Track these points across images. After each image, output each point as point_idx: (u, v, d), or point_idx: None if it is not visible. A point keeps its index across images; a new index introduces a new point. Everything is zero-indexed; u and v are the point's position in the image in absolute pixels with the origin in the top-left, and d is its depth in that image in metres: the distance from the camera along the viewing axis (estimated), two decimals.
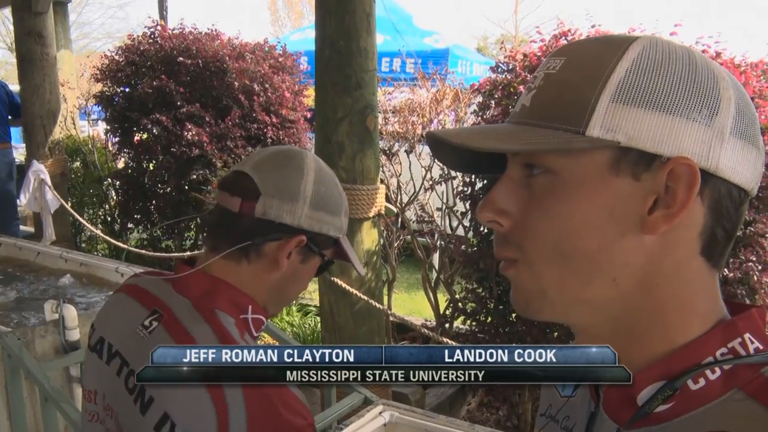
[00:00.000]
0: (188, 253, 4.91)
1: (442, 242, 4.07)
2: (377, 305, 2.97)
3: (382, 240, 3.71)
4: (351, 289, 2.89)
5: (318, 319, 4.91)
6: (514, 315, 3.35)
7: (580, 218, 0.56)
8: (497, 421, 3.54)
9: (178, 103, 4.72)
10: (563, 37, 3.24)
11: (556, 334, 3.15)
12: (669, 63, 0.56)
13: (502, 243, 0.62)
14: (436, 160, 4.14)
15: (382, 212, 3.14)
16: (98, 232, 5.51)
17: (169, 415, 0.92)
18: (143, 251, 4.89)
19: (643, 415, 0.57)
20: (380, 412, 1.94)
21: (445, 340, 2.79)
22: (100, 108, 5.74)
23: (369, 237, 3.00)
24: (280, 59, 5.15)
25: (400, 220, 4.35)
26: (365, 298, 2.90)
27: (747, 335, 0.56)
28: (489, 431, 1.82)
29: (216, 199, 1.10)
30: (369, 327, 3.00)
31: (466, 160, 0.66)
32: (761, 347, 0.56)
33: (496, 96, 3.34)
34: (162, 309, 1.02)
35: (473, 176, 3.48)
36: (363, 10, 2.88)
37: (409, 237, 4.43)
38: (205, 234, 1.07)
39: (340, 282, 2.90)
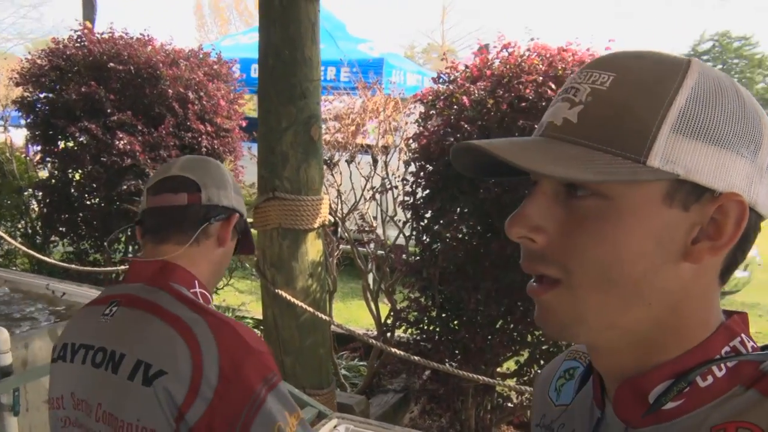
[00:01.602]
0: (119, 267, 4.73)
1: (383, 252, 4.08)
2: (323, 316, 2.94)
3: None
4: (296, 301, 2.85)
5: (257, 332, 4.82)
6: (456, 322, 3.39)
7: (631, 245, 0.56)
8: (440, 429, 3.56)
9: (108, 111, 4.55)
10: (505, 49, 3.31)
11: (497, 337, 3.21)
12: (723, 95, 0.56)
13: (539, 260, 0.60)
14: (375, 170, 4.16)
15: (327, 223, 3.12)
16: (18, 245, 5.23)
17: (143, 360, 1.03)
18: (69, 265, 4.68)
19: (656, 409, 0.58)
20: (335, 426, 1.92)
21: (392, 349, 2.78)
22: (19, 114, 5.45)
23: (314, 248, 2.97)
24: (215, 66, 5.05)
25: (339, 230, 4.33)
26: (311, 309, 2.87)
27: (743, 335, 0.60)
28: None
29: (150, 203, 1.22)
30: (314, 339, 2.97)
31: (483, 167, 0.65)
32: (756, 346, 0.60)
33: (438, 106, 3.39)
34: (119, 297, 1.16)
35: (415, 186, 3.51)
36: (308, 19, 2.86)
37: (348, 247, 4.42)
38: (147, 234, 1.17)
39: (284, 294, 2.86)
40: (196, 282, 1.20)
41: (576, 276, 0.58)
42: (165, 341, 1.04)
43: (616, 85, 0.57)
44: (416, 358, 2.70)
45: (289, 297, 2.84)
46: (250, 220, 4.33)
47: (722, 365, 0.58)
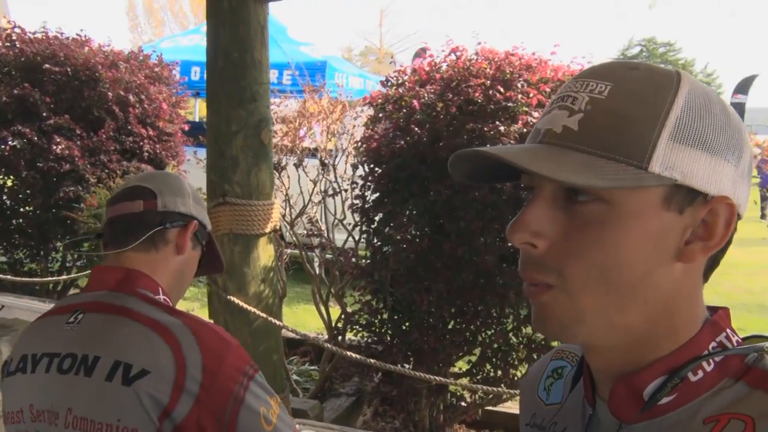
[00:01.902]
0: (58, 277, 4.56)
1: (332, 255, 4.07)
2: (276, 322, 2.91)
3: None
4: (248, 307, 2.81)
5: None
6: (408, 324, 3.41)
7: (629, 248, 0.58)
8: (394, 430, 3.57)
9: (44, 114, 4.38)
10: (453, 53, 3.36)
11: (449, 338, 3.24)
12: (711, 105, 0.60)
13: (537, 267, 0.61)
14: (324, 173, 4.14)
15: (278, 227, 3.09)
16: None
17: (122, 361, 1.04)
18: (4, 276, 4.48)
19: (652, 405, 0.61)
20: None
21: (348, 353, 2.78)
22: None
23: (265, 253, 2.93)
24: (156, 69, 4.93)
25: (287, 234, 4.29)
26: (263, 315, 2.83)
27: (728, 330, 0.64)
28: None
29: (109, 214, 1.24)
30: (267, 345, 2.93)
31: (478, 173, 0.67)
32: (739, 340, 0.64)
33: (388, 109, 3.40)
34: (83, 305, 1.15)
35: (365, 189, 3.52)
36: (257, 21, 2.82)
37: (296, 251, 4.38)
38: (108, 244, 1.19)
39: (236, 300, 2.81)
40: (160, 289, 1.22)
41: (572, 281, 0.59)
42: (144, 342, 1.06)
43: (614, 94, 0.59)
44: (372, 360, 2.71)
45: (241, 303, 2.79)
46: None
47: (711, 360, 0.61)
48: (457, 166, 0.66)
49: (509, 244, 2.98)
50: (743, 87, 20.71)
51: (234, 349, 1.10)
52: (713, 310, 0.66)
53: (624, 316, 0.60)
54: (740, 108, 20.17)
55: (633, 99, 0.59)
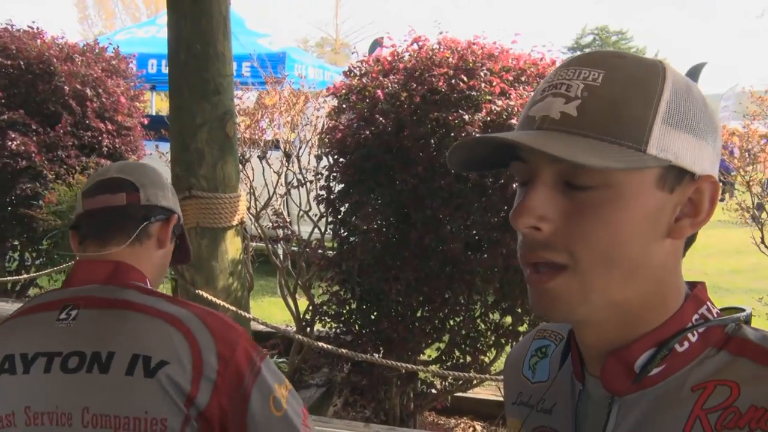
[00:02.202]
0: (17, 276, 4.46)
1: (298, 247, 4.06)
2: (245, 314, 2.90)
3: None
4: (218, 301, 2.79)
5: None
6: (376, 314, 3.43)
7: (630, 227, 0.62)
8: (365, 419, 3.60)
9: None
10: (416, 43, 3.37)
11: (418, 326, 3.28)
12: (692, 91, 0.65)
13: (545, 247, 0.64)
14: (288, 165, 4.12)
15: (245, 220, 3.08)
16: None
17: (140, 354, 1.04)
18: None
19: (644, 376, 0.65)
20: None
21: (319, 343, 2.79)
22: None
23: (233, 246, 2.92)
24: (113, 62, 4.83)
25: (253, 227, 4.26)
26: (233, 308, 2.82)
27: (708, 303, 0.68)
28: (384, 428, 1.86)
29: (87, 206, 1.21)
30: None
31: (472, 162, 0.70)
32: (718, 311, 0.69)
33: (352, 99, 3.40)
34: (73, 301, 1.12)
35: (331, 180, 3.52)
36: (219, 13, 2.80)
37: (260, 244, 4.36)
38: (88, 237, 1.16)
39: (205, 294, 2.79)
40: (147, 281, 1.21)
41: (582, 260, 0.62)
42: (158, 333, 1.06)
43: (607, 81, 0.62)
44: (343, 350, 2.72)
45: (210, 297, 2.78)
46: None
47: (695, 331, 0.66)
48: (455, 154, 0.68)
49: (474, 232, 3.04)
50: (692, 75, 21.17)
51: (243, 336, 1.12)
52: (692, 285, 0.70)
53: (623, 292, 0.64)
54: None
55: (627, 85, 0.62)
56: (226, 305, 2.80)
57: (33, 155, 4.21)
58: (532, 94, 0.69)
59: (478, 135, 0.66)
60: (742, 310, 0.68)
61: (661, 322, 0.66)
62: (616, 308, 0.65)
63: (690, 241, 0.69)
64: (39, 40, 4.59)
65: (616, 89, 0.62)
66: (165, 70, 7.90)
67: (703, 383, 0.63)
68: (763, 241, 3.48)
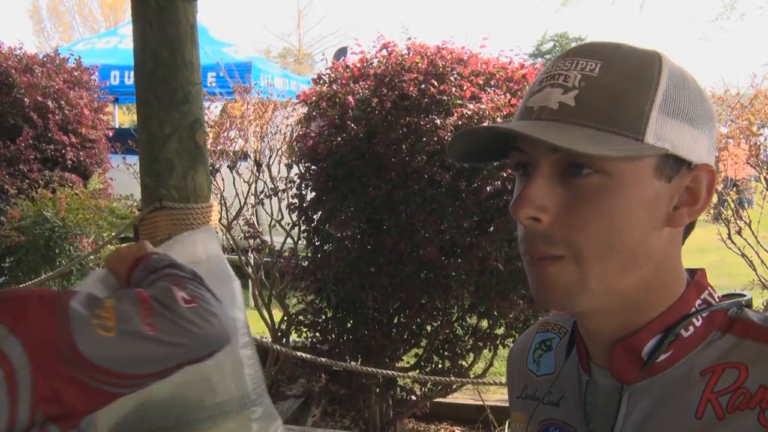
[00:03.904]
0: None
1: (271, 258, 4.01)
2: None
3: None
4: None
5: None
6: (353, 321, 3.40)
7: (629, 216, 0.62)
8: (344, 428, 3.56)
9: None
10: (385, 49, 3.37)
11: (396, 332, 3.26)
12: (687, 80, 0.65)
13: (544, 240, 0.64)
14: (259, 174, 4.08)
15: (218, 230, 3.02)
16: None
17: None
18: None
19: (652, 363, 0.66)
20: None
21: (299, 353, 2.75)
22: None
23: None
24: (75, 73, 4.73)
25: (224, 238, 4.20)
26: None
27: (709, 288, 0.70)
28: None
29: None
30: None
31: (472, 153, 0.71)
32: (719, 296, 0.70)
33: (322, 106, 3.38)
34: None
35: (303, 189, 3.49)
36: (186, 20, 2.74)
37: (234, 256, 4.30)
38: None
39: None
40: None
41: (581, 249, 0.63)
42: None
43: (604, 71, 0.63)
44: (322, 359, 2.69)
45: None
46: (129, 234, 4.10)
47: (699, 316, 0.66)
48: (455, 145, 0.69)
49: (448, 237, 3.03)
50: None
51: (34, 296, 1.05)
52: (692, 272, 0.71)
53: (624, 280, 0.64)
54: None
55: (624, 75, 0.63)
56: None
57: None
58: (529, 85, 0.69)
59: (480, 125, 0.66)
60: (743, 295, 0.69)
61: (665, 309, 0.66)
62: (618, 297, 0.65)
63: (689, 229, 0.70)
64: None
65: (614, 79, 0.62)
66: (128, 81, 7.84)
67: (711, 367, 0.64)
68: (729, 237, 3.54)
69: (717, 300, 0.69)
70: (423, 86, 3.09)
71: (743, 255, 3.47)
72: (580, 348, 0.74)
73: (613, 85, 0.62)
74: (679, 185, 0.65)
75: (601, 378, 0.71)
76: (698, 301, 0.67)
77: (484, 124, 0.66)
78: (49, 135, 4.37)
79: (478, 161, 0.73)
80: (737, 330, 0.65)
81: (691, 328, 0.66)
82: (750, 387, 0.61)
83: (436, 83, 3.08)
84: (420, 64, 3.20)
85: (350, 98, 3.16)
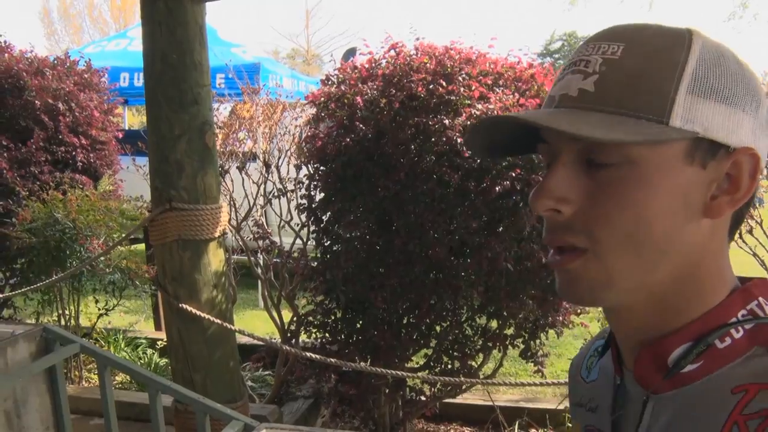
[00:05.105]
0: None
1: (280, 258, 4.02)
2: (232, 327, 2.86)
3: None
4: (203, 314, 2.75)
5: (150, 351, 4.60)
6: (362, 322, 3.40)
7: (656, 206, 0.58)
8: (354, 429, 3.56)
9: None
10: (393, 49, 3.37)
11: (405, 333, 3.25)
12: (724, 58, 0.60)
13: (566, 230, 0.61)
14: (267, 175, 4.09)
15: (227, 231, 3.03)
16: None
17: None
18: None
19: (676, 372, 0.61)
20: None
21: (309, 354, 2.75)
22: None
23: (216, 258, 2.87)
24: (86, 75, 4.75)
25: (232, 239, 4.21)
26: (218, 321, 2.78)
27: (761, 298, 0.62)
28: None
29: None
30: (223, 351, 2.86)
31: (495, 146, 0.68)
32: None
33: (331, 107, 3.38)
34: None
35: (312, 190, 3.49)
36: (195, 22, 2.76)
37: (243, 257, 4.31)
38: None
39: (189, 308, 2.74)
40: None
41: (604, 242, 0.59)
42: None
43: (627, 53, 0.59)
44: (332, 360, 2.69)
45: (194, 310, 2.73)
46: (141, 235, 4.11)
47: (740, 327, 0.60)
48: (473, 138, 0.66)
49: (457, 237, 3.03)
50: None
51: None
52: (746, 280, 0.65)
53: (653, 276, 0.60)
54: None
55: (648, 56, 0.58)
56: (212, 319, 2.76)
57: (4, 172, 4.11)
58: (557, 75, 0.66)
59: (492, 116, 0.62)
60: None
61: (701, 314, 0.61)
62: (647, 294, 0.61)
63: (737, 221, 0.64)
64: (7, 54, 4.50)
65: (637, 61, 0.58)
66: (137, 83, 7.87)
67: (744, 385, 0.57)
68: (741, 237, 3.52)
69: None
70: (431, 86, 3.09)
71: (755, 254, 3.44)
72: (613, 350, 0.70)
73: (636, 67, 0.58)
74: (718, 172, 0.59)
75: (631, 383, 0.67)
76: (743, 311, 0.61)
77: (498, 115, 0.62)
78: (60, 137, 4.39)
79: (506, 154, 0.70)
80: None
81: (728, 340, 0.60)
82: None
83: (444, 83, 3.07)
84: (428, 65, 3.20)
85: (359, 99, 3.16)
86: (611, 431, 0.69)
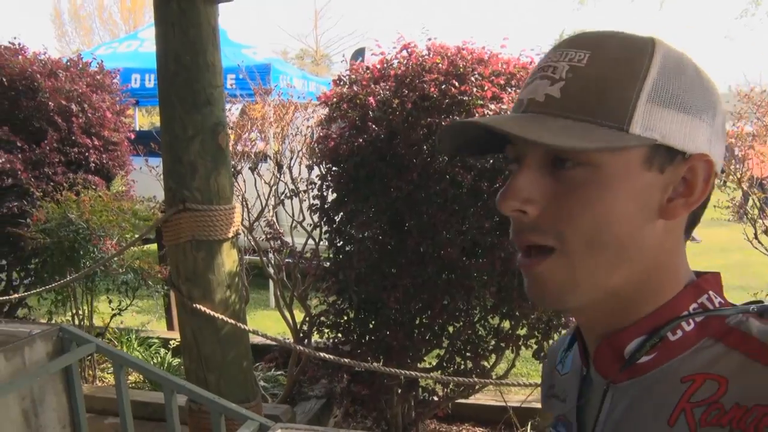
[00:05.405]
0: (7, 297, 4.37)
1: (292, 259, 4.03)
2: (246, 327, 2.87)
3: None
4: (216, 314, 2.76)
5: (163, 351, 4.62)
6: (374, 322, 3.40)
7: (617, 209, 0.61)
8: (367, 429, 3.56)
9: None
10: (405, 49, 3.37)
11: (418, 333, 3.25)
12: (685, 67, 0.63)
13: (531, 231, 0.64)
14: (279, 176, 4.10)
15: (240, 232, 3.04)
16: None
17: None
18: None
19: (631, 363, 0.64)
20: None
21: (322, 354, 2.75)
22: None
23: (229, 258, 2.88)
24: (98, 77, 4.77)
25: (245, 239, 4.22)
26: (232, 321, 2.79)
27: (711, 292, 0.66)
28: None
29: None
30: (237, 351, 2.87)
31: (464, 146, 0.70)
32: (723, 302, 0.66)
33: (343, 108, 3.39)
34: None
35: (324, 190, 3.50)
36: (208, 23, 2.77)
37: (255, 257, 4.32)
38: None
39: (203, 308, 2.75)
40: None
41: (570, 242, 0.62)
42: None
43: (593, 61, 0.61)
44: (346, 360, 2.69)
45: (208, 311, 2.74)
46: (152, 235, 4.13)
47: (691, 320, 0.64)
48: (445, 139, 0.69)
49: (470, 237, 3.02)
50: None
51: None
52: (700, 274, 0.68)
53: (613, 276, 0.63)
54: None
55: (611, 65, 0.61)
56: (225, 319, 2.77)
57: (19, 173, 4.13)
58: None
59: (462, 120, 0.65)
60: (761, 302, 0.65)
61: (654, 309, 0.65)
62: (608, 293, 0.64)
63: (693, 221, 0.67)
64: (21, 56, 4.52)
65: (601, 69, 0.61)
66: (148, 84, 7.88)
67: (693, 375, 0.61)
68: (756, 237, 3.50)
69: (718, 305, 0.65)
70: (444, 87, 3.08)
71: None
72: (580, 343, 0.74)
73: (600, 75, 0.61)
74: (674, 176, 0.63)
75: (594, 374, 0.70)
76: (694, 305, 0.65)
77: (463, 119, 0.65)
78: (73, 138, 4.41)
79: (476, 154, 0.73)
80: (730, 340, 0.61)
81: (680, 332, 0.63)
82: (725, 403, 0.57)
83: (456, 84, 3.07)
84: (440, 65, 3.19)
85: (371, 99, 3.17)
86: (576, 418, 0.72)
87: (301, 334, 3.88)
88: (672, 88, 0.61)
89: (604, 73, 0.61)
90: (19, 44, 4.69)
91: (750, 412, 0.55)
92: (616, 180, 0.61)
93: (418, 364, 3.40)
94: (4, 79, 4.29)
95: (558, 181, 0.62)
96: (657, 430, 0.61)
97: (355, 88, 3.40)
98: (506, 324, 3.27)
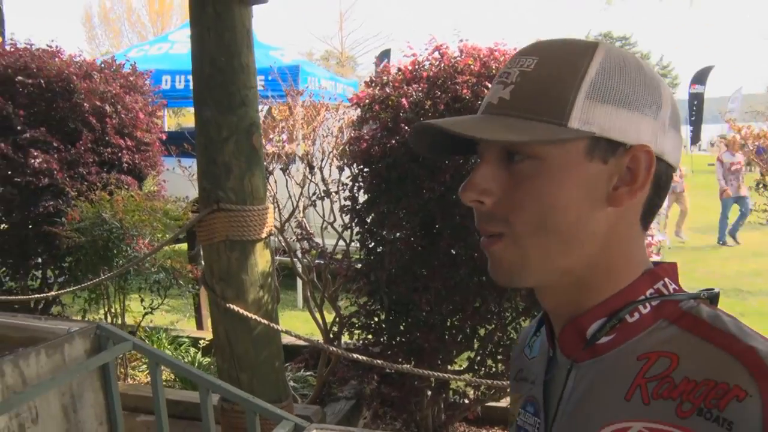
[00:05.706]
0: (39, 295, 4.45)
1: (323, 260, 4.04)
2: (279, 328, 2.88)
3: None
4: (249, 314, 2.77)
5: (193, 350, 4.66)
6: (405, 323, 3.40)
7: (562, 197, 0.67)
8: (396, 431, 3.56)
9: (19, 128, 4.25)
10: (437, 51, 3.36)
11: (449, 335, 3.24)
12: (626, 67, 0.68)
13: (488, 219, 0.70)
14: (311, 177, 4.11)
15: (273, 232, 3.06)
16: None
17: None
18: None
19: (592, 343, 0.70)
20: None
21: (355, 355, 2.75)
22: None
23: (263, 258, 2.89)
24: (131, 78, 4.84)
25: (277, 239, 4.24)
26: (265, 321, 2.80)
27: (666, 279, 0.72)
28: None
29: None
30: (269, 351, 2.89)
31: (438, 146, 0.77)
32: (677, 288, 0.72)
33: (375, 109, 3.39)
34: None
35: (356, 191, 3.50)
36: (243, 26, 2.79)
37: (286, 258, 4.34)
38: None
39: (236, 308, 2.77)
40: None
41: (518, 228, 0.68)
42: None
43: (539, 65, 0.68)
44: (378, 361, 2.69)
45: (241, 310, 2.76)
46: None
47: (647, 304, 0.69)
48: (416, 140, 0.75)
49: None
50: (700, 78, 21.08)
51: None
52: (657, 263, 0.74)
53: (565, 259, 0.69)
54: (699, 98, 20.55)
55: (554, 67, 0.68)
56: (259, 319, 2.78)
57: (55, 172, 4.20)
58: None
59: (423, 122, 0.71)
60: (711, 290, 0.71)
61: (614, 293, 0.70)
62: (563, 274, 0.70)
63: (650, 212, 0.72)
64: (57, 59, 4.60)
65: (546, 72, 0.68)
66: (179, 85, 7.96)
67: (647, 353, 0.66)
68: None
69: (672, 291, 0.70)
70: (476, 88, 3.07)
71: None
72: (546, 324, 0.79)
73: (544, 77, 0.67)
74: (618, 166, 0.68)
75: (560, 355, 0.75)
76: (650, 290, 0.70)
77: (424, 121, 0.72)
78: (107, 138, 4.47)
79: (448, 153, 0.80)
80: (683, 322, 0.67)
81: (637, 315, 0.69)
82: (676, 377, 0.62)
83: (489, 85, 3.05)
84: (473, 66, 3.18)
85: (404, 101, 3.16)
86: (542, 396, 0.77)
87: (331, 335, 3.89)
88: (611, 85, 0.67)
89: (547, 75, 0.67)
90: (56, 47, 4.77)
91: (699, 386, 0.60)
92: (559, 170, 0.67)
93: (449, 366, 3.38)
94: (42, 81, 4.37)
95: (511, 174, 0.69)
96: (615, 405, 0.66)
97: (387, 89, 3.40)
98: None
